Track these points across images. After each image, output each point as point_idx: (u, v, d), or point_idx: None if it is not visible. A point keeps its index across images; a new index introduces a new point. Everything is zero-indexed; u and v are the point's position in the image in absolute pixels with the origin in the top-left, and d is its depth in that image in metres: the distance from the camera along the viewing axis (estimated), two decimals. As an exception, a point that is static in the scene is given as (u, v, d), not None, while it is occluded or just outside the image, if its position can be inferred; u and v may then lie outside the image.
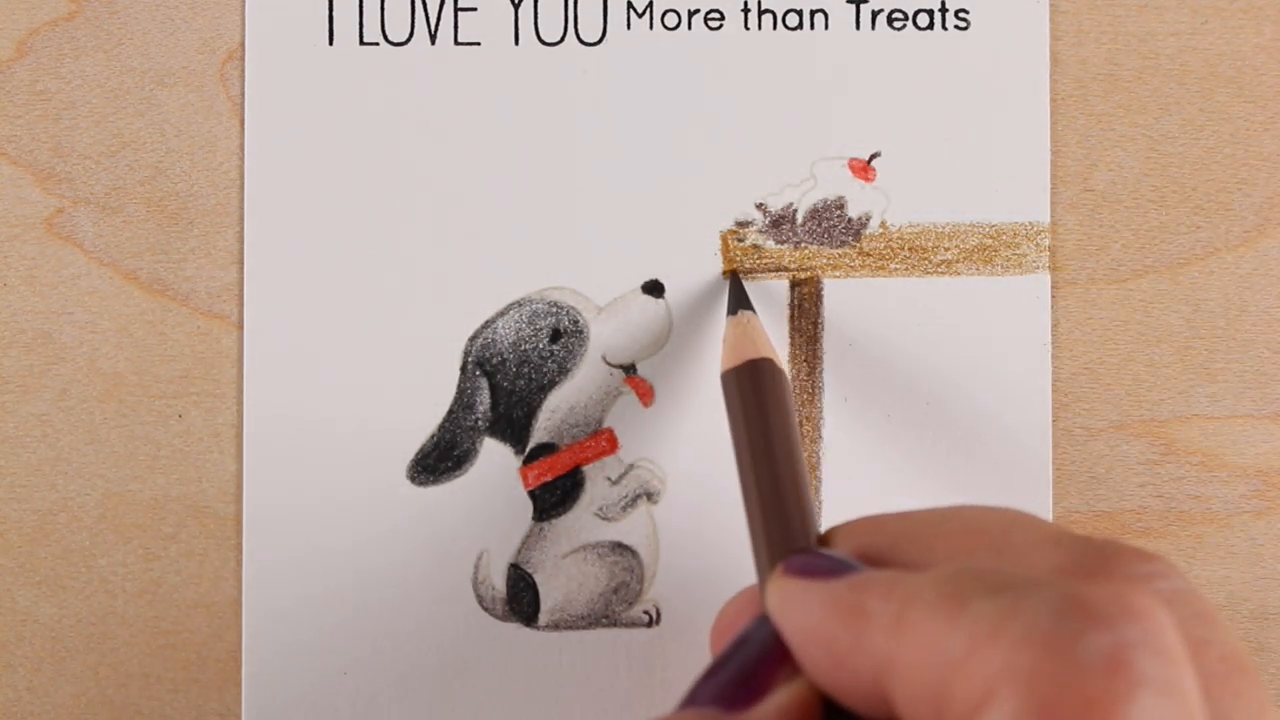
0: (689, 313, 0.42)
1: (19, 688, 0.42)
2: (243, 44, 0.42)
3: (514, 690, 0.41)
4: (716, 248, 0.42)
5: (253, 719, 0.41)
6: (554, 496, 0.42)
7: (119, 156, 0.42)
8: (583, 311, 0.42)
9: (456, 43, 0.42)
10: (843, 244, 0.42)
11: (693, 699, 0.29)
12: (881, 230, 0.42)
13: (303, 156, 0.42)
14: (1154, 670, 0.24)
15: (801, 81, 0.42)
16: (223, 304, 0.42)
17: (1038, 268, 0.42)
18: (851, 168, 0.42)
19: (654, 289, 0.42)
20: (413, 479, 0.42)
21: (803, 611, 0.29)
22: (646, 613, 0.42)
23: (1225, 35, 0.43)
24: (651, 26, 0.42)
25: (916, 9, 0.42)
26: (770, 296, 0.42)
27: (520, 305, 0.42)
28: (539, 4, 0.42)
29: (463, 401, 0.42)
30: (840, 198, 0.42)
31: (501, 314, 0.42)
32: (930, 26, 0.42)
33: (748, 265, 0.42)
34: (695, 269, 0.42)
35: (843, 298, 0.42)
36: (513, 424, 0.42)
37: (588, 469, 0.42)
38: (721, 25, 0.42)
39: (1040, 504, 0.42)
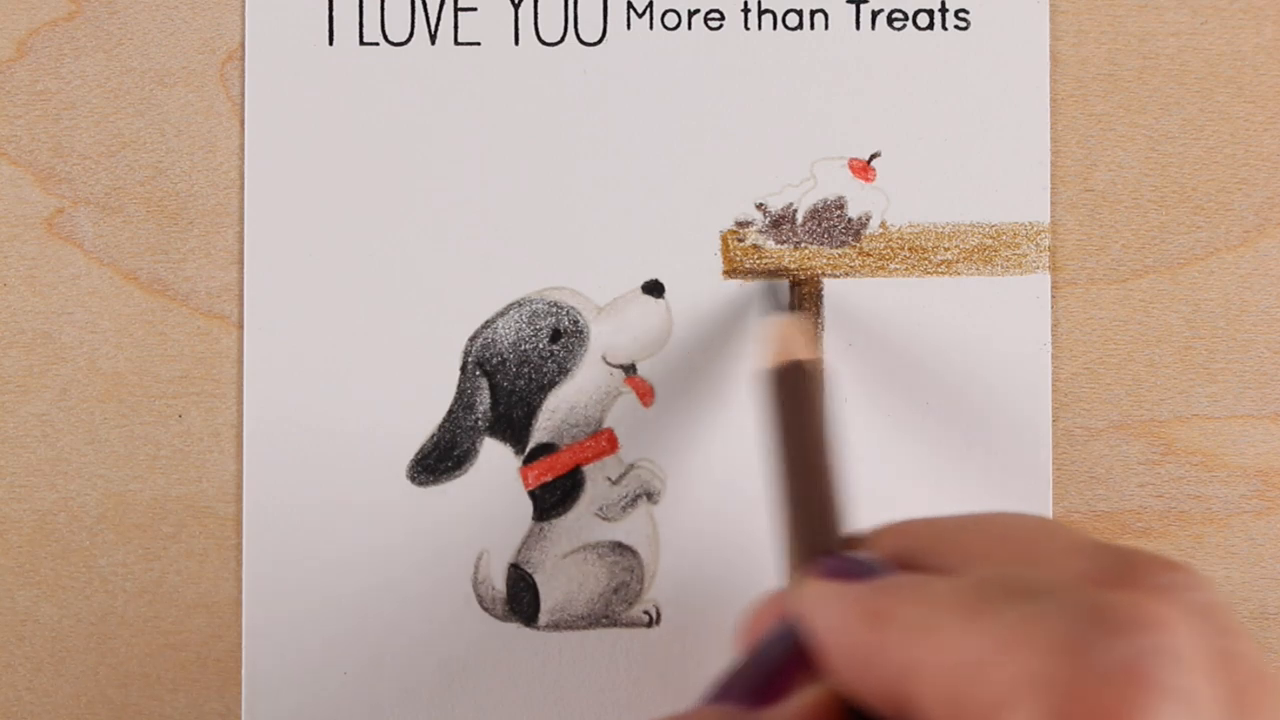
0: (689, 313, 0.42)
1: (19, 688, 0.42)
2: (243, 44, 0.42)
3: (514, 690, 0.41)
4: (716, 248, 0.42)
5: (253, 719, 0.41)
6: (554, 496, 0.42)
7: (119, 156, 0.42)
8: (583, 311, 0.42)
9: (456, 43, 0.42)
10: (843, 244, 0.42)
11: (714, 696, 0.29)
12: (881, 230, 0.42)
13: (303, 156, 0.42)
14: (1172, 680, 0.24)
15: (801, 81, 0.42)
16: (223, 304, 0.42)
17: (1038, 268, 0.42)
18: (851, 168, 0.42)
19: (654, 289, 0.42)
20: (413, 479, 0.42)
21: (830, 614, 0.29)
22: (646, 613, 0.42)
23: (1225, 35, 0.43)
24: (651, 26, 0.42)
25: (916, 9, 0.42)
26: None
27: (520, 305, 0.42)
28: (539, 4, 0.42)
29: (463, 401, 0.42)
30: (840, 198, 0.42)
31: (501, 314, 0.42)
32: (930, 26, 0.42)
33: (748, 265, 0.42)
34: (695, 269, 0.42)
35: (843, 298, 0.42)
36: (513, 424, 0.42)
37: (588, 469, 0.42)
38: (721, 25, 0.42)
39: (1040, 504, 0.42)
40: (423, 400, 0.42)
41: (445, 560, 0.41)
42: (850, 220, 0.42)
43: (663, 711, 0.41)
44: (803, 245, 0.42)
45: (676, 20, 0.42)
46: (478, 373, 0.42)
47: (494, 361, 0.42)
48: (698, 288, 0.42)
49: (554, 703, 0.42)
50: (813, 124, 0.42)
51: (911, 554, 0.31)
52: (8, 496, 0.42)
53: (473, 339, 0.42)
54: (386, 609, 0.41)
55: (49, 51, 0.42)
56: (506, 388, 0.42)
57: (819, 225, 0.42)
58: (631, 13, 0.42)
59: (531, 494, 0.42)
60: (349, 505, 0.41)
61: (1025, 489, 0.42)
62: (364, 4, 0.42)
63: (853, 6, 0.42)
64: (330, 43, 0.42)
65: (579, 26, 0.42)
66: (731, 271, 0.42)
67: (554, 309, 0.42)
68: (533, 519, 0.42)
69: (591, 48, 0.42)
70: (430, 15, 0.42)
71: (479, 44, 0.42)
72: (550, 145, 0.42)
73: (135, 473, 0.42)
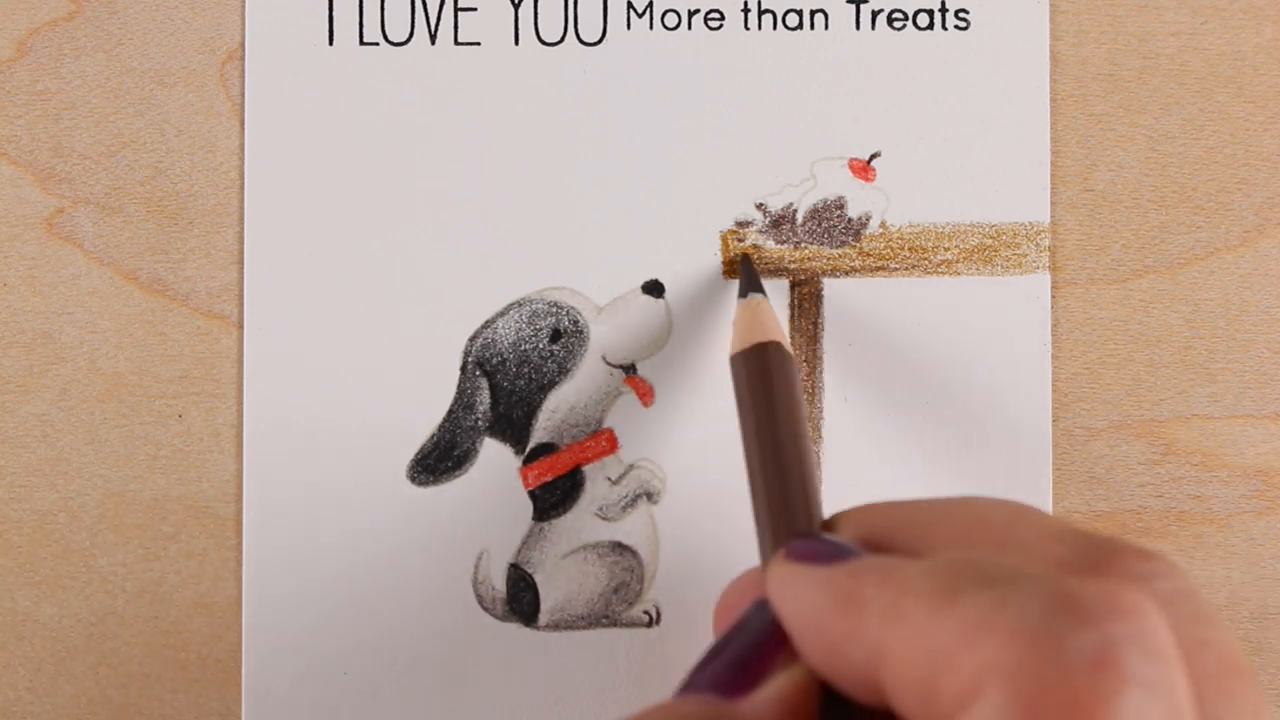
0: (689, 313, 0.42)
1: (19, 688, 0.42)
2: (243, 44, 0.42)
3: (514, 690, 0.41)
4: (716, 248, 0.42)
5: (253, 719, 0.41)
6: (554, 496, 0.42)
7: (119, 156, 0.42)
8: (583, 311, 0.42)
9: (456, 43, 0.42)
10: (843, 244, 0.42)
11: (691, 685, 0.29)
12: (881, 230, 0.42)
13: (303, 156, 0.42)
14: (1141, 668, 0.24)
15: (801, 81, 0.42)
16: (223, 304, 0.42)
17: (1038, 268, 0.42)
18: (851, 168, 0.42)
19: (654, 289, 0.42)
20: (413, 479, 0.42)
21: (801, 597, 0.29)
22: (646, 613, 0.42)
23: (1225, 35, 0.43)
24: (651, 26, 0.42)
25: (916, 9, 0.42)
26: (770, 296, 0.42)
27: (520, 305, 0.42)
28: (539, 4, 0.42)
29: (463, 401, 0.42)
30: (840, 198, 0.42)
31: (501, 314, 0.42)
32: (930, 26, 0.42)
33: (748, 265, 0.42)
34: (695, 269, 0.42)
35: (843, 298, 0.42)
36: (513, 424, 0.42)
37: (588, 469, 0.42)
38: (721, 25, 0.42)
39: (1040, 503, 0.42)
40: (423, 400, 0.42)
41: (445, 560, 0.41)
42: (850, 220, 0.42)
43: (663, 711, 0.41)
44: (803, 245, 0.42)
45: (676, 20, 0.42)
46: (478, 373, 0.42)
47: (494, 361, 0.42)
48: (698, 288, 0.42)
49: (554, 703, 0.42)
50: (813, 124, 0.42)
51: (885, 537, 0.30)
52: (8, 496, 0.42)
53: (473, 339, 0.42)
54: (386, 609, 0.41)
55: (49, 51, 0.42)
56: (506, 388, 0.42)
57: (819, 225, 0.42)
58: (631, 13, 0.42)
59: (531, 494, 0.42)
60: (349, 505, 0.41)
61: (1025, 489, 0.42)
62: (364, 4, 0.42)
63: (853, 6, 0.42)
64: (330, 43, 0.42)
65: (579, 26, 0.42)
66: (731, 271, 0.42)
67: (554, 309, 0.42)
68: (533, 519, 0.42)
69: (591, 48, 0.42)
70: (430, 15, 0.42)
71: (479, 44, 0.42)
72: (550, 145, 0.42)
73: (135, 473, 0.42)
